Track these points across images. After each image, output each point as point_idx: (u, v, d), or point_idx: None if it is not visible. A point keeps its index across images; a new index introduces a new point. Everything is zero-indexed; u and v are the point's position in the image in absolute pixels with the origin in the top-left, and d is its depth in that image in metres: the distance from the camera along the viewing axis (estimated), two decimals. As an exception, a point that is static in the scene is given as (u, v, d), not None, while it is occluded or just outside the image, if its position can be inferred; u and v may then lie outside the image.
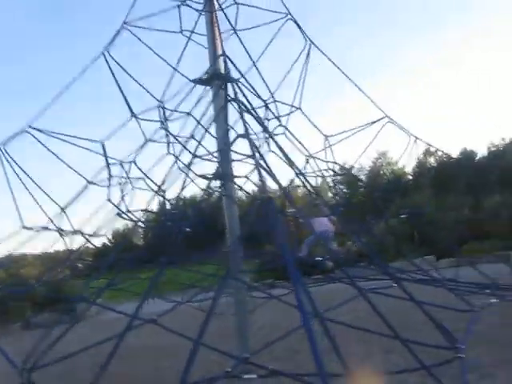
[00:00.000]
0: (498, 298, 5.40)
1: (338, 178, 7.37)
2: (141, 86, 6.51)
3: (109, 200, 6.13)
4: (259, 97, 6.04)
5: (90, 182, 6.22)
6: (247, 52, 6.22)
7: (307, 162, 6.40)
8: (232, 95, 5.77)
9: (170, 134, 6.20)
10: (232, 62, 5.51)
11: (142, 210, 5.62)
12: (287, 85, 6.89)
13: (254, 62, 6.23)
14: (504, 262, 7.01)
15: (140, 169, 6.18)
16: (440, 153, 36.02)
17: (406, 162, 7.25)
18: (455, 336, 3.59)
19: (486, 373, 4.43)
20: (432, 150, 37.15)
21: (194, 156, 5.19)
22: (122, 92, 6.60)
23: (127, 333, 3.41)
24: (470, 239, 16.61)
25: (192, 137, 5.49)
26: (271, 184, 6.92)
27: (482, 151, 40.96)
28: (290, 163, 4.70)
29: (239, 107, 5.37)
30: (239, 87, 5.31)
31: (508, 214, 17.82)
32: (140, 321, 3.78)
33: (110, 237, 23.99)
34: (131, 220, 5.76)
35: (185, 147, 5.51)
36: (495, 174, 27.06)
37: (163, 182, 5.30)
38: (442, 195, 21.19)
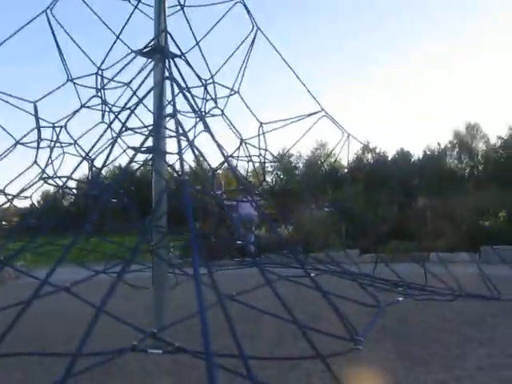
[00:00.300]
0: (406, 296, 5.69)
1: (269, 164, 7.46)
2: (80, 49, 6.42)
3: (36, 162, 6.04)
4: (198, 76, 6.05)
5: (18, 142, 6.11)
6: (191, 30, 6.22)
7: (239, 147, 6.48)
8: (172, 72, 5.79)
9: (104, 102, 6.14)
10: (172, 38, 5.49)
11: (65, 177, 5.55)
12: (233, 69, 6.95)
13: (196, 41, 6.23)
14: (418, 262, 7.30)
15: (69, 133, 6.11)
16: (377, 150, 36.91)
17: (341, 156, 7.41)
18: (357, 329, 3.76)
19: (387, 366, 4.66)
20: (371, 146, 38.01)
21: (125, 127, 5.15)
22: (61, 54, 6.50)
23: (39, 299, 3.39)
24: (394, 237, 17.18)
25: (125, 107, 5.45)
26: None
27: (418, 154, 42.40)
28: (218, 146, 4.75)
29: (174, 85, 5.36)
30: (176, 65, 5.28)
31: (433, 216, 18.54)
32: (53, 287, 3.77)
33: (39, 199, 23.43)
34: (56, 185, 5.71)
35: (117, 116, 5.47)
36: (426, 177, 28.06)
37: (91, 149, 5.26)
38: (373, 192, 21.81)
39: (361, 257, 14.79)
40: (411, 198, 22.47)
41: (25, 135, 6.09)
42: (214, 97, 6.31)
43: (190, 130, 5.63)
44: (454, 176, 35.89)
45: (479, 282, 6.93)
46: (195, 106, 5.14)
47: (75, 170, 5.86)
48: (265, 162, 6.77)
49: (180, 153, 4.20)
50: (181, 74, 5.39)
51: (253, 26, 6.86)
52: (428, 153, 42.47)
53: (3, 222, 7.90)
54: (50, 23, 6.41)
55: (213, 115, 6.76)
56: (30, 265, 17.85)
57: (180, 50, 5.60)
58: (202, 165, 6.47)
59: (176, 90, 4.92)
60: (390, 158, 39.62)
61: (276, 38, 6.72)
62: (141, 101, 5.05)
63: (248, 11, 6.92)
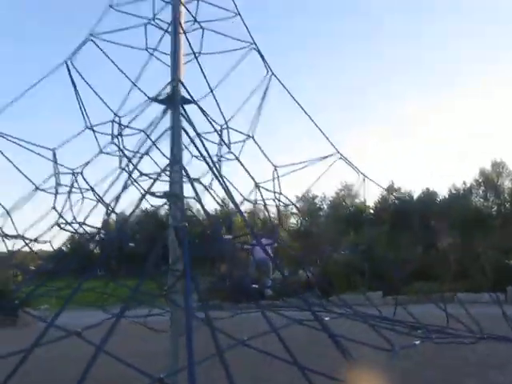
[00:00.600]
0: (424, 339, 5.57)
1: (290, 206, 7.49)
2: (99, 97, 6.59)
3: (54, 208, 6.17)
4: (211, 123, 6.17)
5: (38, 188, 6.26)
6: (205, 78, 6.36)
7: (252, 191, 6.53)
8: (186, 118, 5.93)
9: (120, 148, 6.28)
10: (184, 86, 5.63)
11: (78, 223, 5.65)
12: (247, 112, 7.07)
13: (211, 89, 6.37)
14: (439, 304, 7.16)
15: (85, 180, 6.25)
16: (402, 190, 36.68)
17: (362, 198, 7.42)
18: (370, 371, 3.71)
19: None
20: (395, 187, 37.82)
21: (139, 172, 5.28)
22: (81, 103, 6.69)
23: (52, 344, 3.43)
24: (418, 278, 16.94)
25: (138, 152, 5.58)
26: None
27: (443, 193, 41.95)
28: (229, 194, 4.83)
29: (188, 131, 5.51)
30: (185, 114, 5.42)
31: (457, 257, 18.29)
32: (64, 331, 3.79)
33: (64, 242, 23.62)
34: (74, 231, 5.80)
35: (130, 161, 5.59)
36: (452, 216, 27.73)
37: (105, 194, 5.36)
38: (397, 232, 21.61)
39: (384, 299, 14.57)
40: (436, 238, 22.19)
41: (44, 181, 6.25)
42: (227, 142, 6.40)
43: (204, 175, 5.76)
44: (479, 214, 35.38)
45: (503, 323, 6.77)
46: (204, 152, 5.24)
47: (88, 215, 5.99)
48: (279, 206, 6.79)
49: (197, 197, 4.25)
50: (189, 120, 5.50)
51: (267, 71, 7.00)
52: (454, 192, 42.07)
53: (31, 267, 7.98)
54: (70, 73, 6.63)
55: (228, 159, 6.86)
56: (54, 308, 17.95)
57: (191, 97, 5.72)
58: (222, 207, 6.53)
59: (188, 136, 5.03)
60: (415, 198, 39.37)
61: (288, 80, 6.85)
62: (154, 144, 5.16)
63: (262, 57, 7.08)
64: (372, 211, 38.46)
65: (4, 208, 6.03)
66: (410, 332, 5.94)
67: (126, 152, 6.12)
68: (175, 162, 5.33)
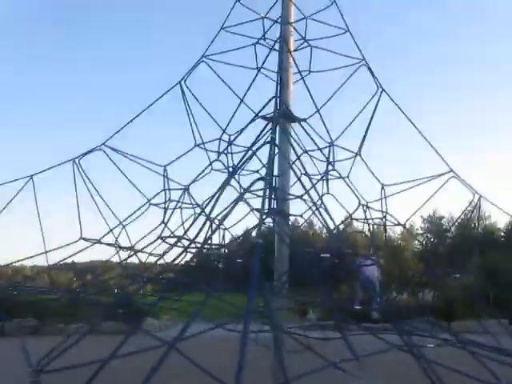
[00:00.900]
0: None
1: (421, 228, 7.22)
2: (211, 116, 6.82)
3: (163, 222, 6.43)
4: (313, 140, 6.14)
5: (150, 202, 6.56)
6: (311, 97, 6.35)
7: (356, 209, 6.40)
8: (293, 136, 5.96)
9: (225, 165, 6.43)
10: (286, 106, 5.66)
11: (189, 239, 5.77)
12: (356, 129, 6.96)
13: (317, 109, 6.35)
14: None
15: (191, 196, 6.45)
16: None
17: (472, 220, 7.01)
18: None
19: None
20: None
21: (244, 189, 5.36)
22: (193, 120, 6.94)
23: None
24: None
25: (240, 168, 5.68)
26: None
27: None
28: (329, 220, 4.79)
29: (295, 148, 5.52)
30: (290, 130, 5.44)
31: None
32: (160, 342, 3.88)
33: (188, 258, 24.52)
34: (176, 245, 5.98)
35: (233, 176, 5.70)
36: None
37: (211, 210, 5.47)
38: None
39: (510, 327, 13.49)
40: None
41: (154, 196, 6.54)
42: (333, 159, 6.33)
43: (307, 192, 5.73)
44: None
45: None
46: (302, 170, 5.21)
47: (199, 232, 6.15)
48: (386, 225, 6.59)
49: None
50: (294, 139, 5.52)
51: (377, 88, 6.85)
52: None
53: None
54: (183, 93, 6.92)
55: (337, 177, 6.77)
56: (175, 319, 18.62)
57: (291, 116, 5.75)
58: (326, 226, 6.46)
59: (287, 155, 5.03)
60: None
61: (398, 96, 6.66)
62: (252, 156, 5.22)
63: (372, 73, 6.94)
64: (503, 233, 36.18)
65: (119, 220, 6.38)
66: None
67: (227, 170, 6.26)
68: (286, 179, 5.40)
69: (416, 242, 34.47)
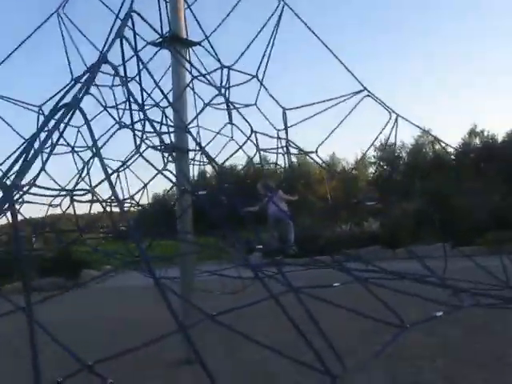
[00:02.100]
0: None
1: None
2: (92, 44, 6.04)
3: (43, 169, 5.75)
4: (202, 64, 5.57)
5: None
6: (200, 27, 5.74)
7: (249, 137, 5.77)
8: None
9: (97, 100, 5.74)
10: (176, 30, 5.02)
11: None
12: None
13: (206, 36, 5.74)
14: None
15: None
16: (485, 133, 34.41)
17: (391, 141, 6.39)
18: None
19: None
20: (477, 130, 35.49)
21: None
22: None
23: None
24: (495, 228, 15.51)
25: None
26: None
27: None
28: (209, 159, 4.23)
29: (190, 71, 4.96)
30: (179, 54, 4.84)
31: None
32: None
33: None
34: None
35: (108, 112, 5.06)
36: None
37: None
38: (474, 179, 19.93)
39: (452, 250, 13.12)
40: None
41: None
42: (228, 84, 5.68)
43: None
44: None
45: None
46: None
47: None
48: (289, 153, 6.01)
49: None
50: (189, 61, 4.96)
51: (279, 1, 6.11)
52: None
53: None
54: (61, 24, 6.14)
55: (248, 105, 6.17)
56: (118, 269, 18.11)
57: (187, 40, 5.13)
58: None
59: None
60: (499, 141, 36.77)
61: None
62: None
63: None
64: (453, 157, 36.38)
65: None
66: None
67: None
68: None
69: (370, 171, 34.45)
